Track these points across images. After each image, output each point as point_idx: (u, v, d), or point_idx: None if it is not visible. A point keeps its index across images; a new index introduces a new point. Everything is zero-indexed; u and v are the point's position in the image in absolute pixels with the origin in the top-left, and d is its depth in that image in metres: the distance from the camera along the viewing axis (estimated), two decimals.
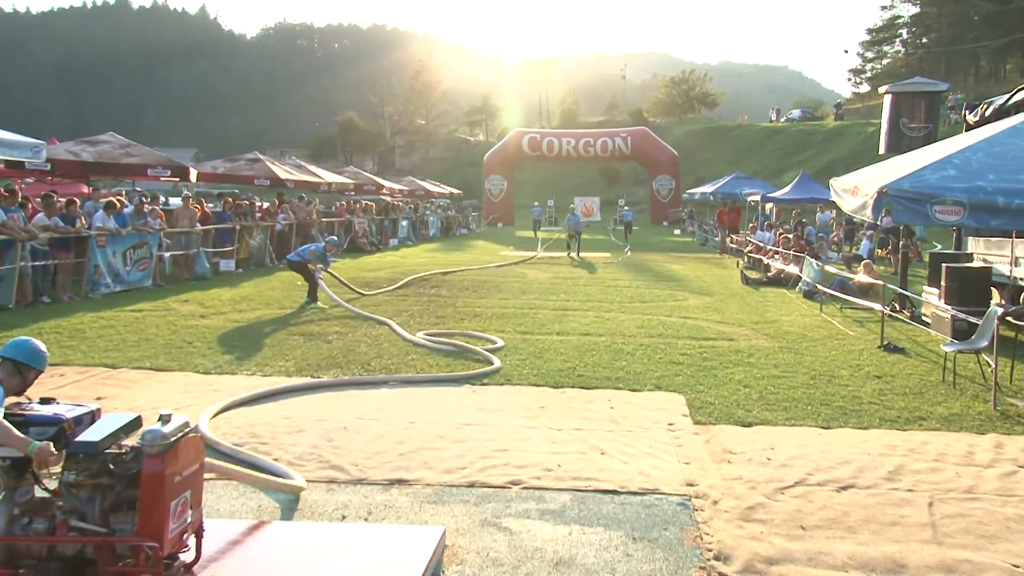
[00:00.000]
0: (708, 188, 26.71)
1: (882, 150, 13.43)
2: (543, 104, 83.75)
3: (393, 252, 19.70)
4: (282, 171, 17.85)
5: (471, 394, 5.45)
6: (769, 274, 13.27)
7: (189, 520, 2.62)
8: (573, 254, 18.42)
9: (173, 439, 2.52)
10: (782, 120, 58.58)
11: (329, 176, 21.90)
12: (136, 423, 2.69)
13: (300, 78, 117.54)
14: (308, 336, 7.46)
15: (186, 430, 2.59)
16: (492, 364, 6.17)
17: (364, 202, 22.18)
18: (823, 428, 4.75)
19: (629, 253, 19.86)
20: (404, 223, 23.90)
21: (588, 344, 7.22)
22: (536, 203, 37.72)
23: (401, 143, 74.01)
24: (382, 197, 28.42)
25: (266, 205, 16.37)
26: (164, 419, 2.56)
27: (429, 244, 23.51)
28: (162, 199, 17.30)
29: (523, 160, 40.84)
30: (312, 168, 22.00)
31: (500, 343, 7.33)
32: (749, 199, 21.87)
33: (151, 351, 6.61)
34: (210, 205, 15.48)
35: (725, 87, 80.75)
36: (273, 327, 7.93)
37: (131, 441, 2.66)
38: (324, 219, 18.47)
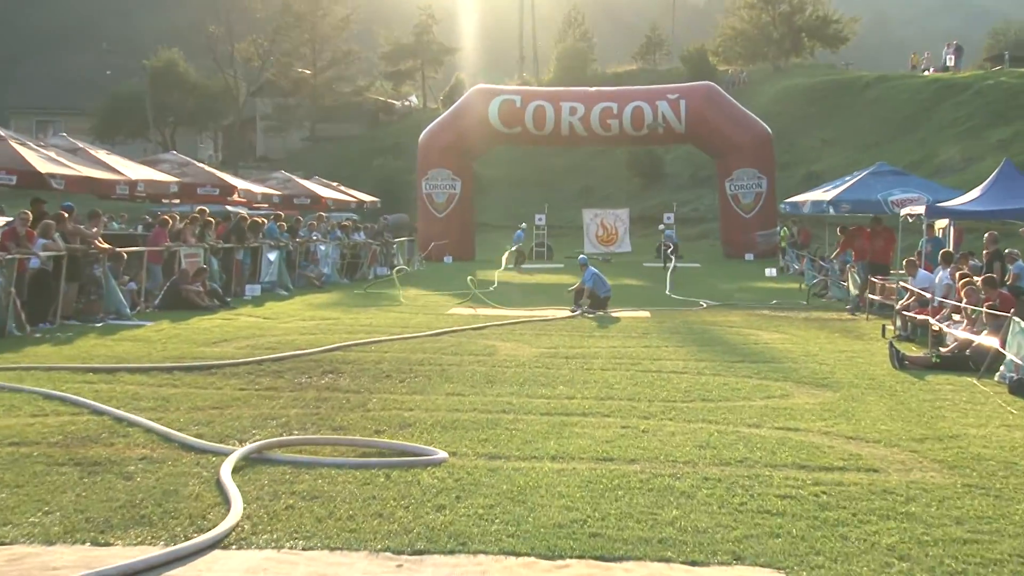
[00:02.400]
0: (826, 192, 27.29)
1: None
2: (526, 39, 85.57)
3: (252, 308, 19.67)
4: (42, 160, 17.85)
5: (394, 571, 5.41)
6: (943, 349, 13.49)
7: None
8: (579, 310, 19.35)
9: None
10: (960, 68, 59.75)
11: (133, 169, 21.98)
12: None
13: None
14: (90, 465, 7.36)
15: None
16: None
17: (198, 215, 22.23)
18: None
19: (670, 292, 20.04)
20: (272, 257, 23.96)
21: (609, 478, 7.24)
22: (523, 225, 38.31)
23: (267, 110, 74.79)
24: (231, 208, 28.42)
25: (11, 223, 16.30)
26: None
27: (319, 294, 23.52)
28: None
29: (490, 142, 41.57)
30: (100, 154, 22.07)
31: (440, 455, 7.58)
32: (903, 212, 22.36)
33: None
34: None
35: (859, 9, 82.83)
36: (23, 450, 7.83)
37: None
38: (121, 248, 18.44)
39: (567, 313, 19.22)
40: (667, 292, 23.95)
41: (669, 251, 34.98)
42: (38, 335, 14.72)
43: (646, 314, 19.56)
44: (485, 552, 5.71)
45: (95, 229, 17.94)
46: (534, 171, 58.51)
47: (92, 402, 9.48)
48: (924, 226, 21.49)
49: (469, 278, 22.22)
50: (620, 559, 5.63)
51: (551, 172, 58.61)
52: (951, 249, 19.73)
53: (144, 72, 69.63)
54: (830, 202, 25.40)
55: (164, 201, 26.48)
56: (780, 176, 42.19)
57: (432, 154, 39.72)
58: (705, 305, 21.22)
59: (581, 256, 22.84)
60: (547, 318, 18.48)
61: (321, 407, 9.73)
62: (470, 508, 6.46)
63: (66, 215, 17.27)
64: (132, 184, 20.42)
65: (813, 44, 73.50)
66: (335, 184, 39.01)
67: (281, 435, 8.44)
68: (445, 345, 14.48)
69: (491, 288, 24.29)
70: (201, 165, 28.77)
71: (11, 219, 17.10)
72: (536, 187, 55.80)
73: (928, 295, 15.48)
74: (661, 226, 39.64)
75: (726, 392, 10.91)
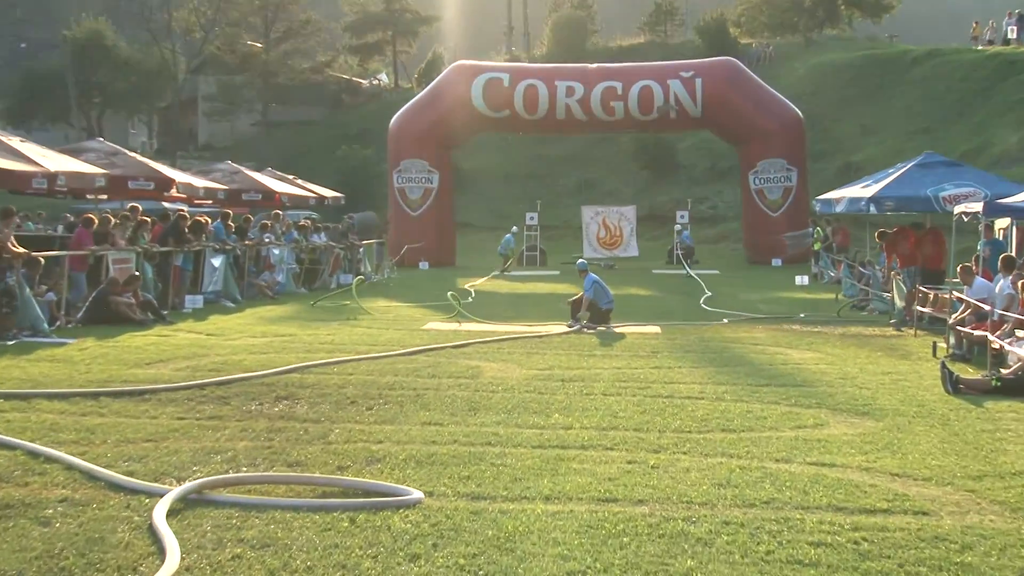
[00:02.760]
0: (866, 187, 27.29)
1: None
2: (515, 8, 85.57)
3: (193, 323, 19.63)
4: None
5: None
6: (1004, 371, 13.49)
7: None
8: (578, 324, 19.51)
9: None
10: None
11: (52, 159, 21.88)
12: None
13: None
14: (0, 509, 7.36)
15: None
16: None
17: (129, 213, 22.15)
18: None
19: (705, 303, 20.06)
20: (217, 262, 23.89)
21: (612, 522, 7.24)
22: (514, 228, 38.41)
23: (211, 90, 74.64)
24: (169, 206, 28.31)
25: None
26: None
27: (272, 306, 23.47)
28: None
29: (473, 127, 41.60)
30: (13, 142, 21.97)
31: (414, 495, 7.59)
32: (957, 210, 22.37)
33: None
34: None
35: None
36: None
37: None
38: (39, 253, 18.36)
39: (563, 328, 19.23)
40: (702, 304, 24.10)
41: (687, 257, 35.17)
42: None
43: (656, 329, 19.57)
44: None
45: (7, 230, 17.87)
46: (525, 162, 58.50)
47: (1, 436, 9.45)
48: (981, 226, 21.46)
49: (450, 294, 22.15)
50: None
51: (545, 163, 58.61)
52: (1013, 253, 19.76)
53: (65, 45, 69.35)
54: (871, 199, 25.35)
55: (89, 197, 26.41)
56: (813, 168, 42.28)
57: (405, 142, 39.69)
58: (727, 321, 21.22)
59: (580, 261, 22.73)
60: (540, 334, 18.47)
61: (274, 439, 9.71)
62: (449, 558, 6.45)
63: None
64: (51, 177, 20.31)
65: (851, 13, 73.53)
66: (291, 177, 38.95)
67: (227, 472, 8.42)
68: (420, 366, 14.45)
69: (468, 299, 24.28)
70: (133, 155, 28.63)
71: None
72: (527, 181, 55.83)
73: (987, 307, 15.48)
74: (678, 226, 39.71)
75: (750, 421, 10.92)
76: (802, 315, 22.16)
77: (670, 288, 29.90)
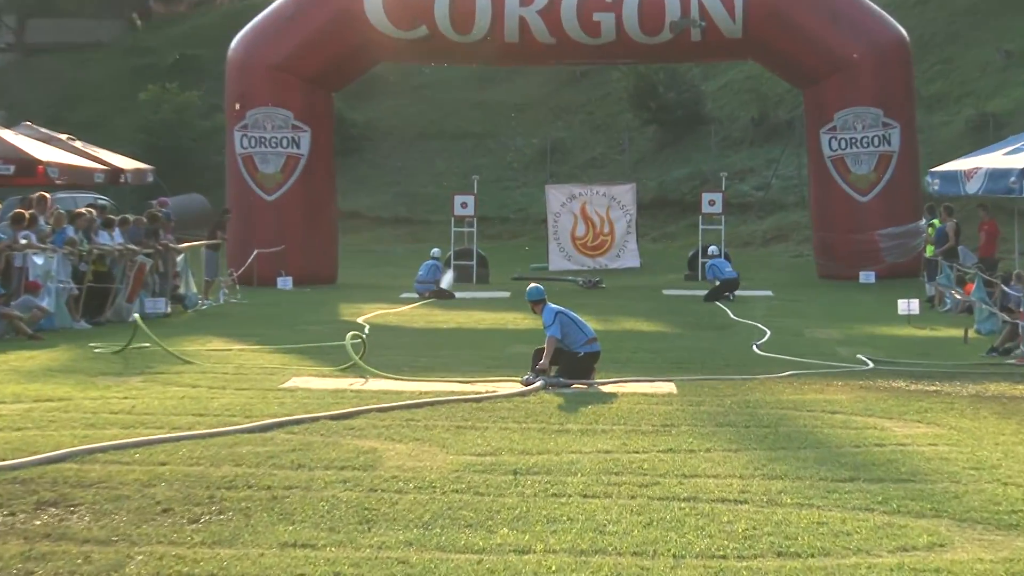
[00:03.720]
0: (1015, 154, 27.59)
1: None
2: None
3: None
4: None
5: None
6: None
7: None
8: (539, 380, 19.50)
9: None
10: None
11: None
12: None
13: None
14: None
15: None
16: None
17: None
18: None
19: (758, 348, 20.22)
20: None
21: None
22: (435, 251, 38.24)
23: None
24: None
25: None
26: None
27: (32, 351, 23.43)
28: None
29: (368, 56, 41.74)
30: None
31: None
32: None
33: None
34: None
35: None
36: None
37: None
38: None
39: (517, 386, 19.24)
40: (755, 348, 24.14)
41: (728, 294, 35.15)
42: None
43: (669, 388, 19.67)
44: None
45: None
46: (454, 114, 58.75)
47: None
48: None
49: (350, 335, 21.70)
50: None
51: (487, 115, 58.89)
52: None
53: None
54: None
55: None
56: (926, 123, 42.67)
57: (254, 79, 39.70)
58: (787, 373, 21.31)
59: (531, 286, 21.17)
60: (478, 396, 18.52)
61: (35, 571, 9.64)
62: None
63: None
64: None
65: None
66: (64, 136, 38.87)
67: None
68: (279, 450, 14.41)
69: (363, 333, 24.19)
70: None
71: None
72: (458, 144, 56.04)
73: None
74: (713, 248, 39.04)
75: (824, 539, 10.91)
76: (870, 364, 22.09)
77: (692, 320, 30.03)
